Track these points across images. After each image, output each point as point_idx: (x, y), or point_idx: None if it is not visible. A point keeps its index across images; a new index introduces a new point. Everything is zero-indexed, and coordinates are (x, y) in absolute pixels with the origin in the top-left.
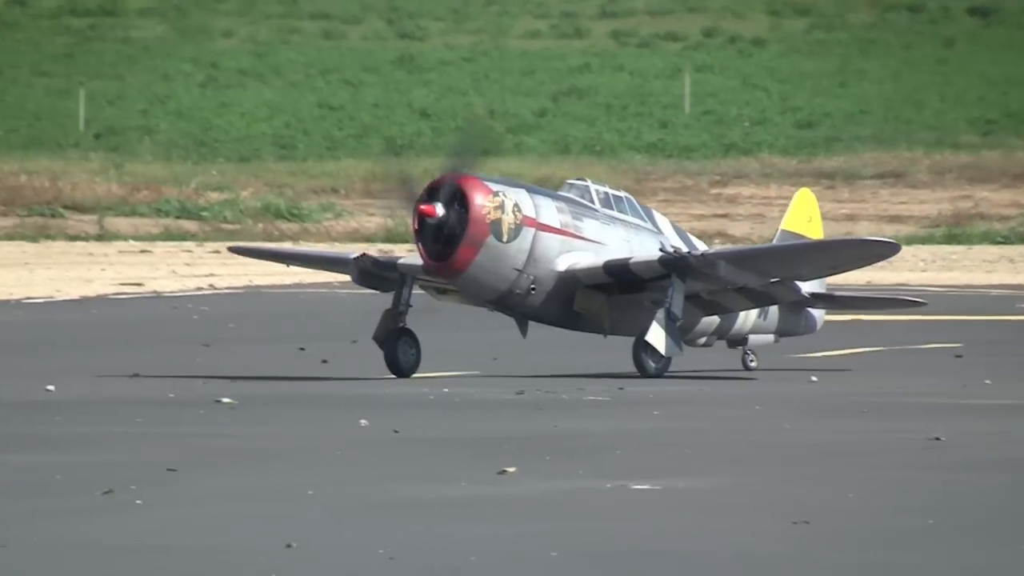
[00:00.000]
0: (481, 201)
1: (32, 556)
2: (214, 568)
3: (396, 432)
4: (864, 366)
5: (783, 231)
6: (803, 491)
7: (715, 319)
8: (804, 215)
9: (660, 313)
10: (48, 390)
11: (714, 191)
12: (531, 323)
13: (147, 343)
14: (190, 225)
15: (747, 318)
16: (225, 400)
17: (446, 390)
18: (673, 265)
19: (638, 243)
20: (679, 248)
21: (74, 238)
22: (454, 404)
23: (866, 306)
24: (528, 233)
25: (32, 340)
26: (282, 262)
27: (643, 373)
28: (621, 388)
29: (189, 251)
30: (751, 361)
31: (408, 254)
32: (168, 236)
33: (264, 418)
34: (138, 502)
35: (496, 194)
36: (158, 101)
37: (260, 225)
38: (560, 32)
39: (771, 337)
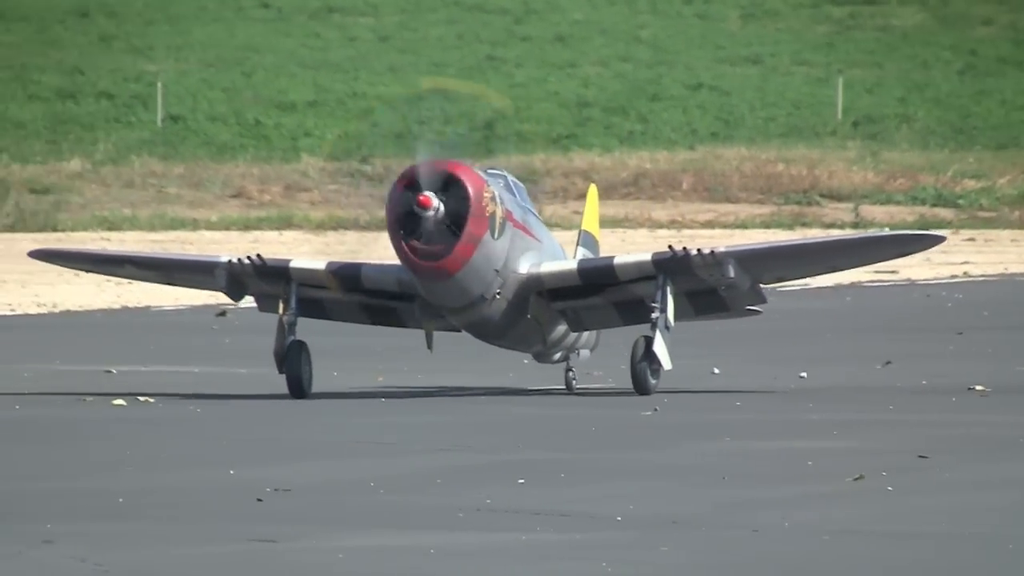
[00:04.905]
0: (479, 190)
1: (786, 541)
2: (954, 556)
3: None
4: None
5: (584, 231)
6: None
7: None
8: (595, 212)
9: (660, 319)
10: (801, 377)
11: None
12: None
13: (901, 331)
14: (946, 213)
15: (581, 332)
16: (978, 388)
17: None
18: (667, 265)
19: (552, 239)
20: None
21: (830, 226)
22: None
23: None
24: (509, 229)
25: (786, 328)
26: (92, 270)
27: (643, 391)
28: None
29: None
30: (574, 379)
31: (293, 256)
32: (923, 224)
33: (1017, 406)
34: (888, 489)
35: (488, 183)
36: (916, 89)
37: (1016, 213)
38: None
39: (588, 352)
